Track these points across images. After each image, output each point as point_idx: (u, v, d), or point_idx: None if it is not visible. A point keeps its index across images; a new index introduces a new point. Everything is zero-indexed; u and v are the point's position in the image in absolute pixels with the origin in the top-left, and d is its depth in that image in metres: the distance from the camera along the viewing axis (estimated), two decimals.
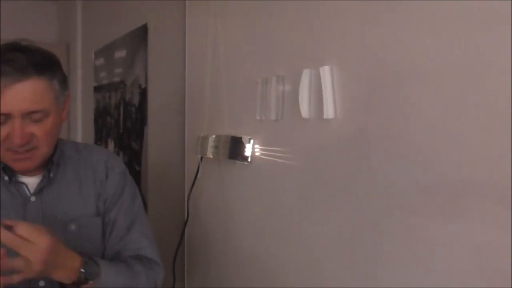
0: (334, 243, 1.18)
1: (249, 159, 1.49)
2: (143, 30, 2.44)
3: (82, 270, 1.15)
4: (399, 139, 0.99)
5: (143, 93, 2.47)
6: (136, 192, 1.41)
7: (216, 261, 1.75)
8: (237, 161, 1.53)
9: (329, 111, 1.16)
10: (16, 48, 1.16)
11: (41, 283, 1.24)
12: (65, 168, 1.32)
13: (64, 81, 1.22)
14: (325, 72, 1.16)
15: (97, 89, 3.38)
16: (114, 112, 3.03)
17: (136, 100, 2.59)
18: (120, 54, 2.84)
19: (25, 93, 1.12)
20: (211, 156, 1.67)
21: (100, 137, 3.34)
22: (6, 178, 1.24)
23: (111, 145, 3.09)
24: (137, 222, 1.36)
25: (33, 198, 1.26)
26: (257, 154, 1.47)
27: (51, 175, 1.28)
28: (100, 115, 3.33)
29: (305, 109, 1.23)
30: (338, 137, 1.16)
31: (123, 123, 2.86)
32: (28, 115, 1.14)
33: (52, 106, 1.18)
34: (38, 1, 4.60)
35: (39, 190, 1.27)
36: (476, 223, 0.84)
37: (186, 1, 1.93)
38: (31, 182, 1.27)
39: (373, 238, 1.06)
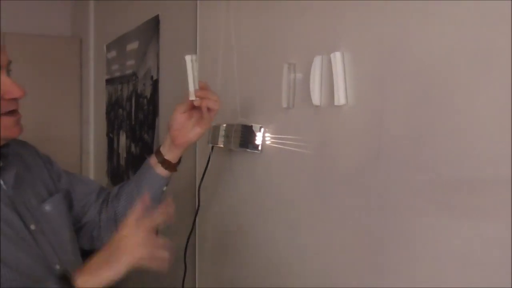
0: (346, 232, 1.18)
1: (259, 148, 1.49)
2: (155, 22, 2.45)
3: None
4: (413, 125, 0.99)
5: (155, 85, 2.48)
6: None
7: (227, 250, 1.75)
8: (248, 150, 1.53)
9: (340, 98, 1.15)
10: None
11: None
12: None
13: None
14: (336, 58, 1.15)
15: (109, 81, 3.40)
16: (126, 104, 3.04)
17: (148, 92, 2.60)
18: (132, 46, 2.85)
19: None
20: (222, 146, 1.67)
21: (112, 130, 3.36)
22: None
23: (123, 137, 3.10)
24: None
25: None
26: (267, 142, 1.47)
27: None
28: (112, 108, 3.34)
29: (316, 96, 1.23)
30: (349, 124, 1.15)
31: (135, 115, 2.86)
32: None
33: None
34: None
35: None
36: (497, 220, 0.84)
37: None
38: None
39: (387, 227, 1.06)
